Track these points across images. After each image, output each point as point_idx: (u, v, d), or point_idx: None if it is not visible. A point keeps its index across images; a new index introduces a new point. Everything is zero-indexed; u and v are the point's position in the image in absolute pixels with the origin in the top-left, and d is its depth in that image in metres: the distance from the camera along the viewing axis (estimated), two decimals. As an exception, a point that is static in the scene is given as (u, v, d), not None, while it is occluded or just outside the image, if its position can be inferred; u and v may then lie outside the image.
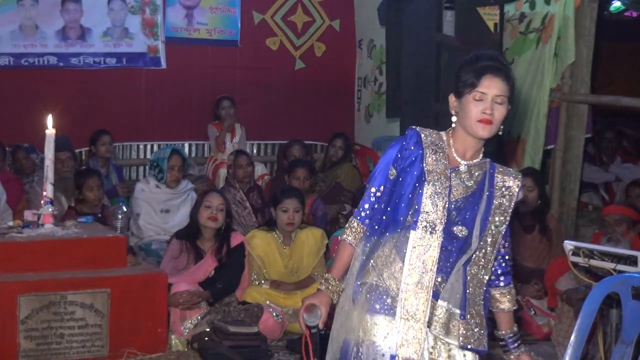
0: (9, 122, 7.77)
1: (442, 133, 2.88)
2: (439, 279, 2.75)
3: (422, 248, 2.73)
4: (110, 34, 8.28)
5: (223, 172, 7.72)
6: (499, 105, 2.77)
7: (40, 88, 7.97)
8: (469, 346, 2.77)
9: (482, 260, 2.79)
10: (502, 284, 2.89)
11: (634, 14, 9.04)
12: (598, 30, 6.61)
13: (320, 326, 2.84)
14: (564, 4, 6.48)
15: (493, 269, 2.84)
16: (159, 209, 6.52)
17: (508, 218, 2.83)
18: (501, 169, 2.88)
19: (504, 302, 2.89)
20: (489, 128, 2.76)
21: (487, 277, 2.80)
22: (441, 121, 6.03)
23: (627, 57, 9.98)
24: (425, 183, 2.76)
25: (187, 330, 5.02)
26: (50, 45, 8.06)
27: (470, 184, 2.81)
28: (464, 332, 2.76)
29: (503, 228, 2.82)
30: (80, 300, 4.53)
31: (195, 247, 5.37)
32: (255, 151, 8.95)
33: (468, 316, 2.76)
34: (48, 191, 4.81)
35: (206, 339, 4.90)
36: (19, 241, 4.65)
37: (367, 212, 2.86)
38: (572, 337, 3.19)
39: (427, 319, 2.73)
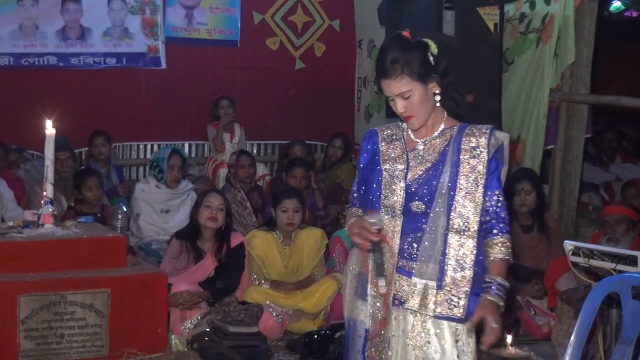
0: (9, 122, 7.78)
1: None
2: (406, 258, 2.85)
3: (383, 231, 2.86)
4: (110, 34, 8.28)
5: (223, 172, 7.72)
6: (408, 99, 2.82)
7: (40, 88, 7.97)
8: (443, 315, 2.81)
9: (464, 225, 2.81)
10: (491, 235, 2.86)
11: (634, 14, 9.04)
12: (598, 30, 6.62)
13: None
14: (564, 4, 6.48)
15: (485, 226, 2.84)
16: (159, 209, 6.52)
17: (484, 178, 2.81)
18: (470, 130, 2.88)
19: (493, 251, 2.84)
20: (413, 121, 2.87)
21: (474, 242, 2.81)
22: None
23: (627, 57, 9.99)
24: (383, 171, 2.89)
25: (187, 330, 5.02)
26: (50, 45, 8.06)
27: (430, 158, 2.88)
28: (440, 301, 2.81)
29: (480, 190, 2.81)
30: (80, 300, 4.53)
31: (195, 247, 5.37)
32: (255, 151, 8.94)
33: (446, 285, 2.80)
34: (48, 191, 4.80)
35: (206, 339, 4.89)
36: (19, 241, 4.65)
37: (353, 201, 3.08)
38: (572, 337, 3.19)
39: (391, 297, 2.85)
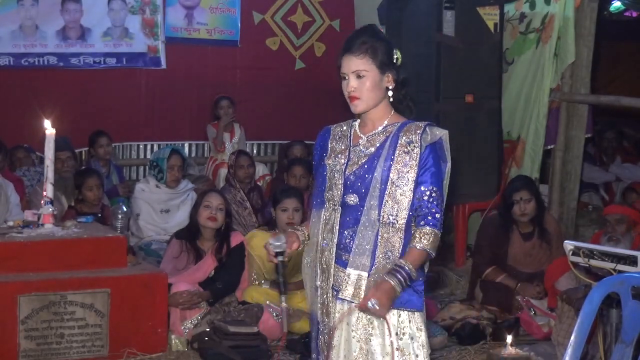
0: (9, 122, 7.77)
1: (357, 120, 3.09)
2: (344, 250, 2.94)
3: (325, 223, 2.99)
4: (110, 34, 8.28)
5: (223, 172, 7.72)
6: (361, 79, 2.95)
7: (40, 88, 7.97)
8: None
9: (393, 219, 2.88)
10: (418, 227, 2.89)
11: (634, 14, 9.05)
12: (598, 30, 6.62)
13: (287, 252, 3.02)
14: (564, 4, 6.49)
15: (417, 218, 2.88)
16: (159, 209, 6.52)
17: (415, 172, 2.87)
18: (408, 127, 2.94)
19: (414, 240, 2.87)
20: (358, 103, 2.96)
21: (401, 235, 2.88)
22: (441, 121, 6.07)
23: (627, 57, 10.01)
24: (327, 166, 3.03)
25: (187, 330, 5.02)
26: (50, 45, 8.06)
27: (368, 152, 2.96)
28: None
29: (410, 184, 2.87)
30: (80, 300, 4.54)
31: (195, 247, 5.37)
32: (255, 151, 8.94)
33: (378, 276, 2.87)
34: (48, 191, 4.81)
35: (206, 339, 4.89)
36: (19, 241, 4.65)
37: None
38: (572, 337, 3.18)
39: (330, 288, 2.96)
